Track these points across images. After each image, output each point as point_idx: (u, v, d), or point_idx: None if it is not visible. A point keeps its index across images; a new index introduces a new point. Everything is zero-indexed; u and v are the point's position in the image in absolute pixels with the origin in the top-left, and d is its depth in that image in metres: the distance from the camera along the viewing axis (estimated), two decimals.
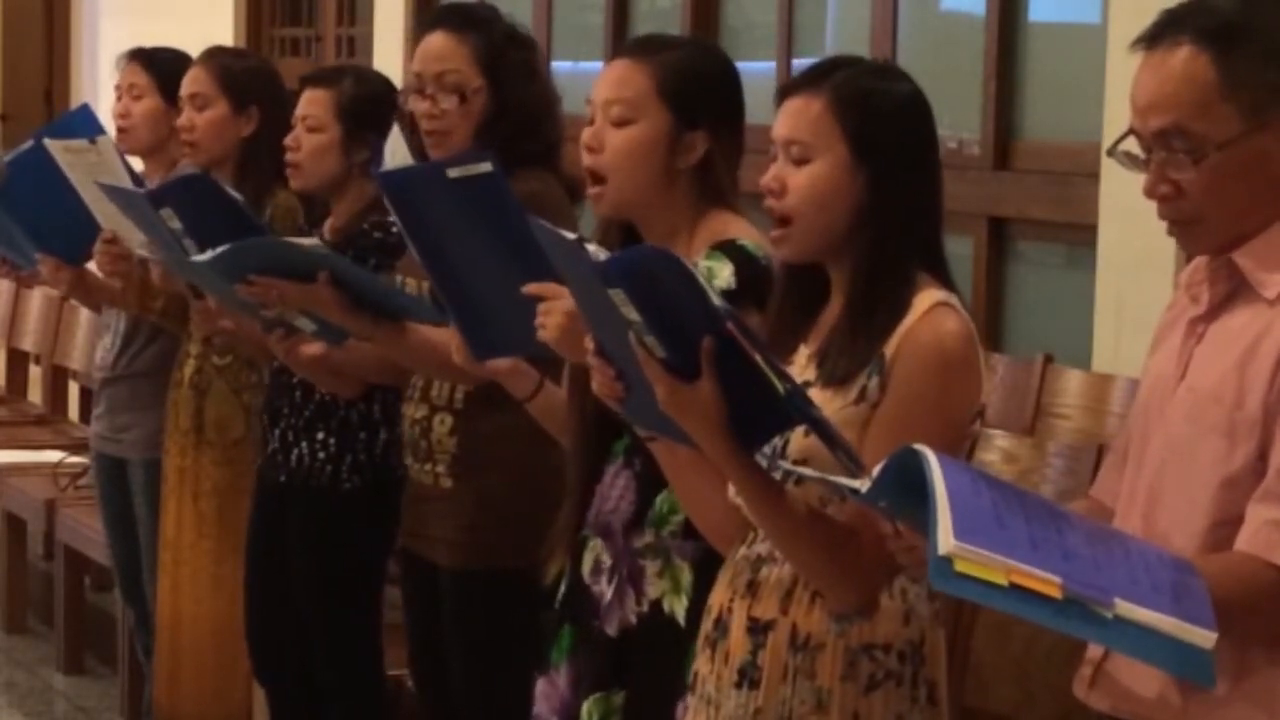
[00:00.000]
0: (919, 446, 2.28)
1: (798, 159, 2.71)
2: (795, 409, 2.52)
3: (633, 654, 3.12)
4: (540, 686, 3.27)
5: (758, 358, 2.48)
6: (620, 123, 3.09)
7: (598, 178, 3.10)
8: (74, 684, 6.44)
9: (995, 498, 2.27)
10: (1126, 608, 2.21)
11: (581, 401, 3.16)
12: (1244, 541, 2.44)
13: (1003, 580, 2.18)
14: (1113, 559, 2.28)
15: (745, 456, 2.59)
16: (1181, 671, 2.28)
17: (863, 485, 2.34)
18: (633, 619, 3.12)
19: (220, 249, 3.79)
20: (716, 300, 2.47)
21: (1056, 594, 2.19)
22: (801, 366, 2.75)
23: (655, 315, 2.52)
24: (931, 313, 2.66)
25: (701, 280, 2.47)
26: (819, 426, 2.52)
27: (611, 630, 3.14)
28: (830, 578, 2.67)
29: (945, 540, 2.17)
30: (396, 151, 4.10)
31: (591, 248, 2.61)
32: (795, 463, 2.65)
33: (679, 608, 3.08)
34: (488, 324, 3.29)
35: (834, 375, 2.68)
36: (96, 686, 6.39)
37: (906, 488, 2.28)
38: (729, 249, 3.03)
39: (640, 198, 3.10)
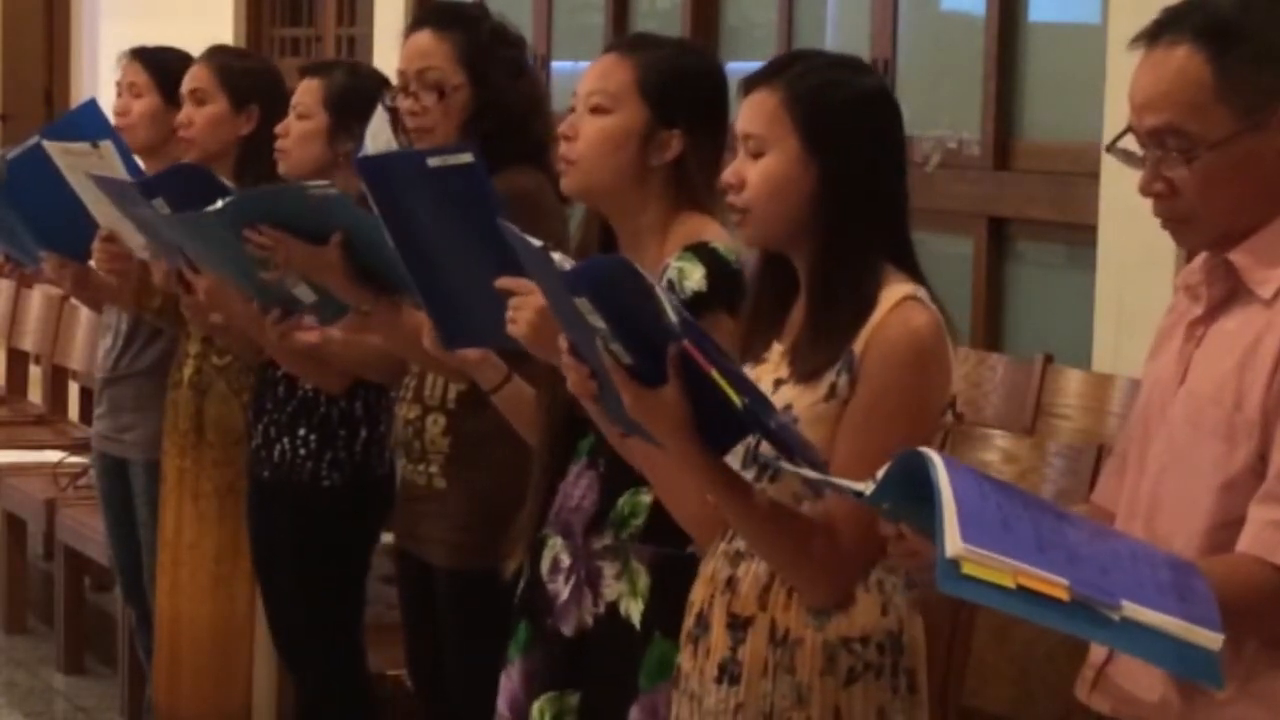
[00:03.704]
0: (924, 449, 2.28)
1: (754, 152, 2.73)
2: (753, 421, 2.53)
3: (588, 655, 3.13)
4: (501, 681, 3.29)
5: (714, 373, 2.48)
6: (597, 112, 3.11)
7: (568, 163, 3.12)
8: (74, 684, 6.44)
9: (1000, 500, 2.27)
10: (1133, 610, 2.20)
11: (550, 398, 3.17)
12: (1245, 543, 2.43)
13: (1010, 583, 2.18)
14: (1118, 561, 2.28)
15: (712, 459, 2.60)
16: (1188, 673, 2.27)
17: (866, 488, 2.34)
18: (589, 620, 3.13)
19: (228, 199, 3.77)
20: (673, 316, 2.47)
21: (1064, 596, 2.19)
22: (775, 363, 2.76)
23: (620, 323, 2.53)
24: (899, 307, 2.67)
25: (660, 294, 2.48)
26: (775, 436, 2.53)
27: (567, 630, 3.15)
28: (803, 574, 2.68)
29: (953, 543, 2.17)
30: (379, 136, 4.10)
31: (557, 256, 2.61)
32: (768, 462, 2.66)
33: (635, 611, 3.08)
34: (459, 314, 3.30)
35: (803, 372, 2.69)
36: (96, 686, 6.39)
37: (910, 490, 2.28)
38: (701, 251, 3.03)
39: (608, 188, 3.11)
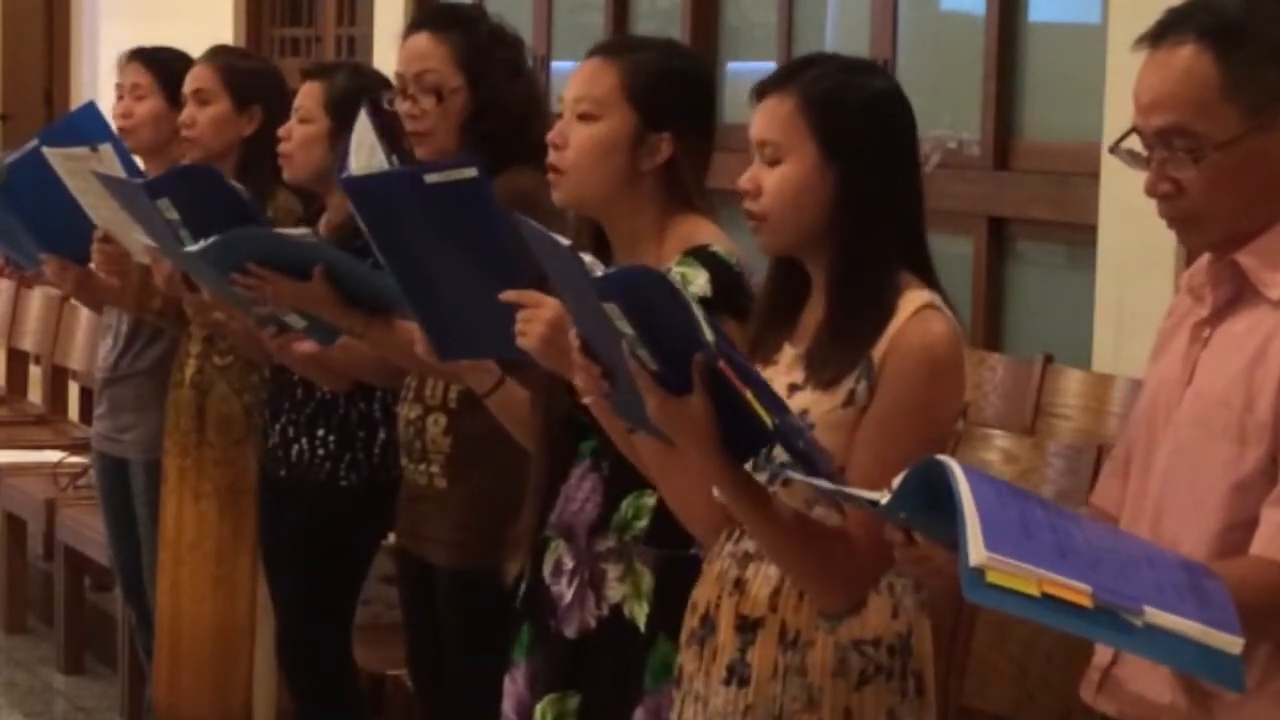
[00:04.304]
0: (942, 457, 2.28)
1: (770, 159, 2.72)
2: (783, 441, 2.52)
3: (591, 657, 3.13)
4: (505, 684, 3.28)
5: (748, 394, 2.48)
6: (585, 119, 3.09)
7: (558, 173, 3.11)
8: (74, 684, 6.44)
9: (1020, 507, 2.26)
10: (1156, 615, 2.20)
11: (546, 401, 3.16)
12: (1260, 546, 2.43)
13: (1034, 590, 2.17)
14: (1135, 565, 2.27)
15: (735, 468, 2.60)
16: (1210, 677, 2.27)
17: (882, 497, 2.33)
18: (592, 622, 3.13)
19: (210, 240, 3.79)
20: (709, 333, 2.47)
21: (1087, 603, 2.18)
22: (788, 366, 2.75)
23: (649, 331, 2.52)
24: (919, 315, 2.66)
25: (696, 310, 2.47)
26: (803, 458, 2.52)
27: (570, 632, 3.15)
28: (819, 582, 2.67)
29: (977, 551, 2.16)
30: (363, 142, 4.10)
31: (588, 259, 2.60)
32: (783, 464, 2.66)
33: (640, 613, 3.08)
34: (454, 326, 3.28)
35: (821, 379, 2.68)
36: (96, 686, 6.39)
37: (926, 498, 2.28)
38: (702, 255, 3.02)
39: (600, 195, 3.10)
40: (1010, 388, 4.82)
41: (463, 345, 3.30)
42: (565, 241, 2.66)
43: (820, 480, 2.49)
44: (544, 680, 3.19)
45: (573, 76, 3.16)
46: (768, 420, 2.48)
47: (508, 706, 3.28)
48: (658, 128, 3.09)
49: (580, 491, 3.16)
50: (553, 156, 3.12)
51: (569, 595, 3.15)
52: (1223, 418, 2.48)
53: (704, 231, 3.08)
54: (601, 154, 3.08)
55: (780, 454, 2.61)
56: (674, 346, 2.52)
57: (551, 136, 3.12)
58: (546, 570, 3.19)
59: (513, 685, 3.27)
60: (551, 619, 3.17)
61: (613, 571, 3.11)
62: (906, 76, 5.56)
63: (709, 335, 2.47)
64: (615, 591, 3.11)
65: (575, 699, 3.14)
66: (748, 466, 2.65)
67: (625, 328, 2.52)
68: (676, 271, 3.00)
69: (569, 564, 3.16)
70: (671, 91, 3.11)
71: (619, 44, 3.31)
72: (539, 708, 3.17)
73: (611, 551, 3.11)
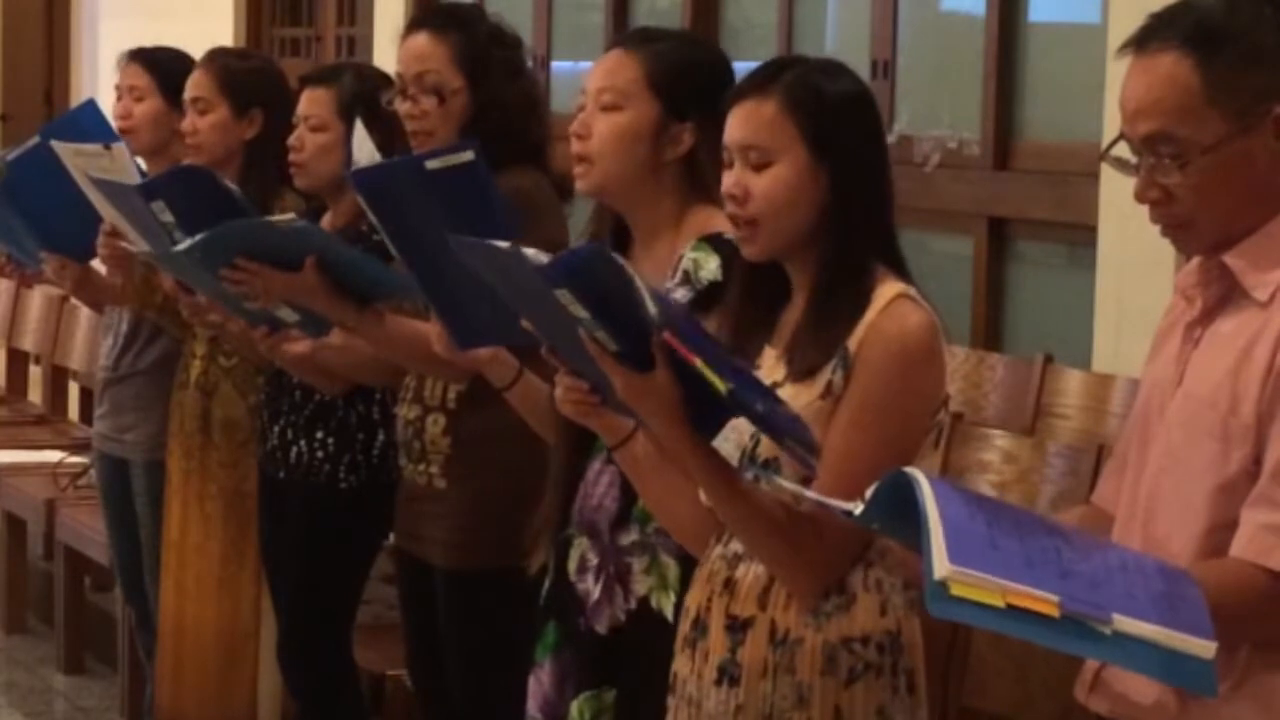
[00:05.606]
0: (910, 469, 2.29)
1: (757, 163, 2.72)
2: (739, 407, 2.53)
3: (623, 652, 3.13)
4: (530, 684, 3.28)
5: (698, 363, 2.48)
6: (609, 109, 3.11)
7: (584, 162, 3.13)
8: (74, 684, 6.44)
9: (988, 518, 2.26)
10: (1124, 622, 2.20)
11: None
12: (1238, 547, 2.44)
13: (999, 602, 2.18)
14: (1109, 573, 2.28)
15: (702, 443, 2.62)
16: (1182, 682, 2.27)
17: (855, 507, 2.34)
18: (622, 617, 3.13)
19: (197, 237, 3.78)
20: (652, 307, 2.48)
21: (1054, 612, 2.19)
22: (770, 367, 2.77)
23: (604, 310, 2.53)
24: (894, 305, 2.68)
25: (639, 284, 2.47)
26: (763, 421, 2.53)
27: (601, 628, 3.15)
28: (789, 564, 2.68)
29: (940, 565, 2.17)
30: (363, 145, 4.10)
31: (530, 252, 2.59)
32: (766, 462, 2.67)
33: (667, 604, 3.08)
34: (470, 313, 3.30)
35: (800, 370, 2.70)
36: (96, 686, 6.39)
37: (899, 508, 2.28)
38: (715, 241, 3.05)
39: (624, 184, 3.12)
40: (1010, 388, 4.82)
41: (478, 333, 3.31)
42: (505, 244, 2.65)
43: (797, 487, 2.50)
44: (576, 678, 3.19)
45: (594, 68, 3.19)
46: (720, 386, 2.49)
47: (532, 706, 3.26)
48: (680, 118, 3.12)
49: (599, 486, 3.16)
50: (577, 146, 3.14)
51: (597, 592, 3.15)
52: (1209, 418, 2.49)
53: (720, 221, 3.09)
54: (627, 143, 3.11)
55: (765, 447, 2.61)
56: (632, 322, 2.53)
57: (575, 127, 3.14)
58: (572, 568, 3.19)
59: (537, 685, 3.26)
60: (580, 616, 3.17)
61: (637, 564, 3.11)
62: (906, 76, 5.58)
63: (652, 308, 2.47)
64: (642, 584, 3.11)
65: (611, 694, 3.14)
66: (731, 458, 2.66)
67: (580, 311, 2.53)
68: (689, 257, 3.03)
69: (594, 560, 3.16)
70: (693, 82, 3.14)
71: (640, 35, 3.31)
72: (575, 705, 3.17)
73: (635, 545, 3.12)
